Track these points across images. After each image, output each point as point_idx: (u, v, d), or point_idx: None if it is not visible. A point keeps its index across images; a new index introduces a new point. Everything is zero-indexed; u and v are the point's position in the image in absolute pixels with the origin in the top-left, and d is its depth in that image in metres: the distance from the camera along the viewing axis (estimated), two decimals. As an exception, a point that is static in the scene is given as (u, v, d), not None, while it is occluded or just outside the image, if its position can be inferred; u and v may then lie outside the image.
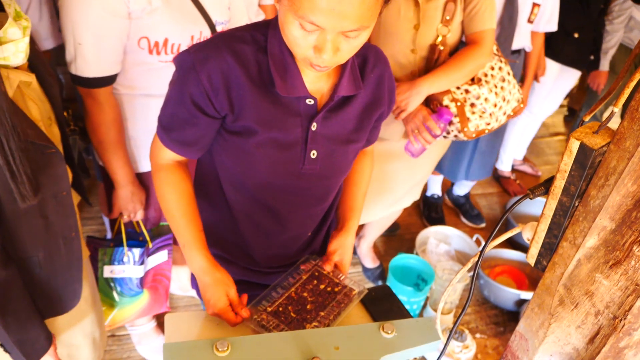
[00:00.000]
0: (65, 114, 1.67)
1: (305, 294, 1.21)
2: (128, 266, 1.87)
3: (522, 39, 2.67)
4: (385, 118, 1.32)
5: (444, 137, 2.00)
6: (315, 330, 0.98)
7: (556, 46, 3.11)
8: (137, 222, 1.88)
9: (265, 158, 1.15)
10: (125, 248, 1.85)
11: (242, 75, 1.06)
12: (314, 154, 1.17)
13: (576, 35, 3.07)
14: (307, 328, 1.11)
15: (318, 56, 0.97)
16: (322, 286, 1.23)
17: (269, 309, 1.16)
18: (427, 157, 2.16)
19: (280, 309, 1.17)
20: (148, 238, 1.91)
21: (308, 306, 1.17)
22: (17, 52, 1.10)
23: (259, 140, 1.12)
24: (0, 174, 1.04)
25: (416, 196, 2.42)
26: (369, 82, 1.20)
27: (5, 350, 1.25)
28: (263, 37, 1.09)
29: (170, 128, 1.15)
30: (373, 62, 1.21)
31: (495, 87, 1.95)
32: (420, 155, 1.99)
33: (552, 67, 3.19)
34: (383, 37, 1.90)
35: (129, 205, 1.77)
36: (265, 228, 1.31)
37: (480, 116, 1.92)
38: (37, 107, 1.21)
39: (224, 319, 1.16)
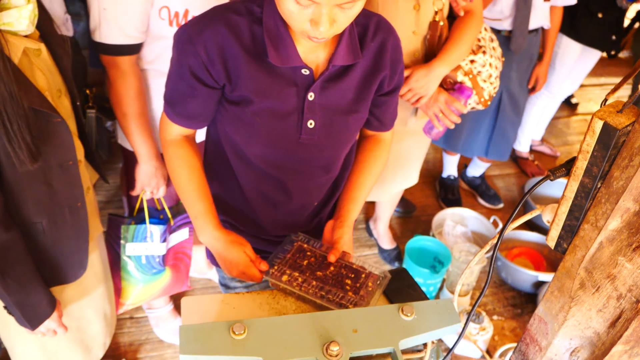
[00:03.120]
0: (87, 91, 1.69)
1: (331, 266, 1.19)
2: (150, 244, 1.87)
3: (539, 18, 2.61)
4: (388, 90, 1.28)
5: None
6: (333, 312, 0.98)
7: (580, 27, 3.05)
8: (158, 200, 1.88)
9: (262, 127, 1.17)
10: (148, 225, 1.85)
11: (236, 45, 1.09)
12: (311, 123, 1.19)
13: (600, 16, 3.00)
14: (309, 285, 1.13)
15: (315, 29, 0.99)
16: (353, 264, 1.20)
17: (288, 256, 1.21)
18: None
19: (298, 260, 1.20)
20: (170, 215, 1.91)
21: (318, 273, 1.17)
22: (21, 19, 1.11)
23: (255, 110, 1.15)
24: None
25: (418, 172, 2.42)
26: (369, 51, 1.20)
27: (9, 312, 1.29)
28: (259, 9, 1.11)
29: (174, 102, 1.19)
30: (374, 30, 1.20)
31: (490, 49, 1.94)
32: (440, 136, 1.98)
33: (574, 47, 3.13)
34: None
35: (152, 181, 1.76)
36: (272, 197, 1.34)
37: (491, 82, 1.92)
38: (44, 77, 1.22)
39: (249, 276, 1.20)
